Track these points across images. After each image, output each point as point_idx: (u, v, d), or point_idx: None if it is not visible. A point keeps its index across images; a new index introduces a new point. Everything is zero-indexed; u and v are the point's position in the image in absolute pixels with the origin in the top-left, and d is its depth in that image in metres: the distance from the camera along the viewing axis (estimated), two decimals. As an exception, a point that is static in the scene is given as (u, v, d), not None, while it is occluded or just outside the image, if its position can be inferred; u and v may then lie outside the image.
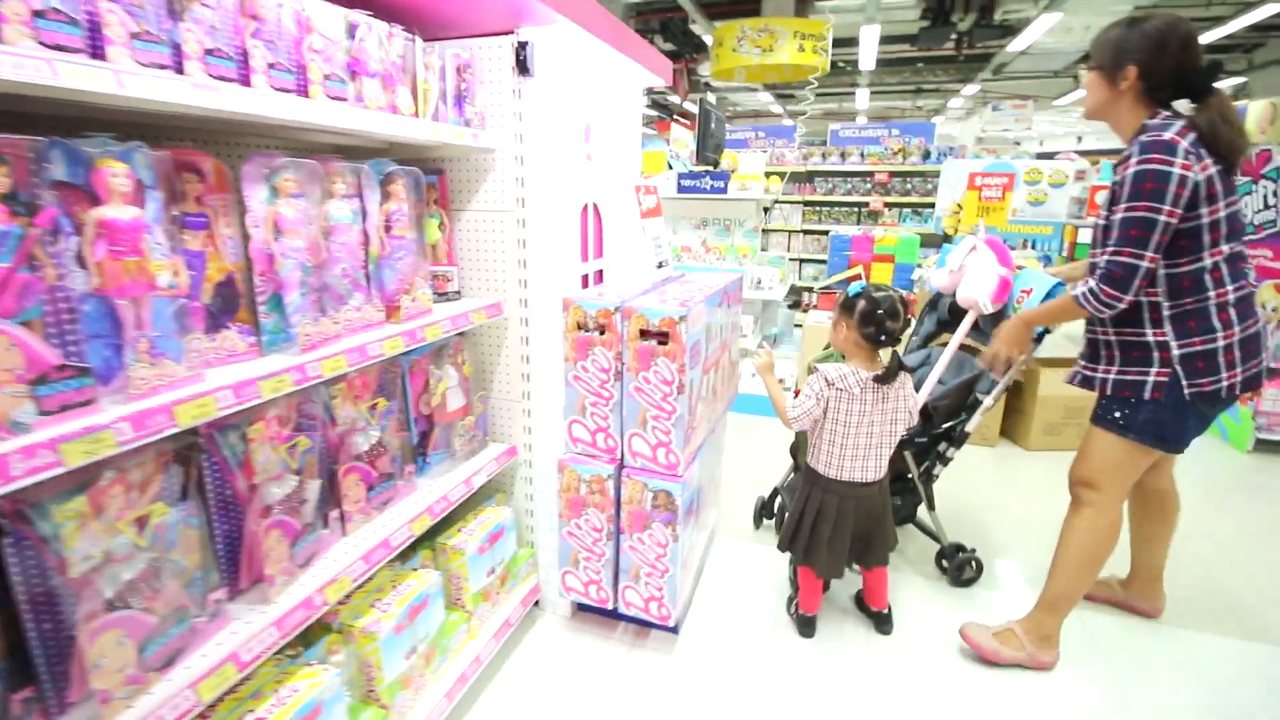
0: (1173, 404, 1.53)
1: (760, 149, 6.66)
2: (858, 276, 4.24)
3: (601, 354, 1.73)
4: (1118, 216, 1.44)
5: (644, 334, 1.66)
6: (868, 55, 10.35)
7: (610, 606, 1.88)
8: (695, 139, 3.92)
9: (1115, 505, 1.71)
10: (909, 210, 6.19)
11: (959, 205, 4.29)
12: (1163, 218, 1.39)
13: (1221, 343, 1.49)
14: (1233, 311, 1.49)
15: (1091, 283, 1.50)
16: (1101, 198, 6.75)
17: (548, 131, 1.71)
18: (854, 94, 14.53)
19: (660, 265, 2.05)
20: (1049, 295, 1.95)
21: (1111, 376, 1.60)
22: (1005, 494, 3.01)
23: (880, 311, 1.74)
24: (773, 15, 7.64)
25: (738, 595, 2.20)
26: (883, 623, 2.06)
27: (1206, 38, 8.59)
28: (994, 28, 9.11)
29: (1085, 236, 7.05)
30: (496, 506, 1.89)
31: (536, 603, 2.08)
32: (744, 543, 2.52)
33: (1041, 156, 8.87)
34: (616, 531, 1.82)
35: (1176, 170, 1.37)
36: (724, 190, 3.86)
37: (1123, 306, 1.49)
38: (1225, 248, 1.47)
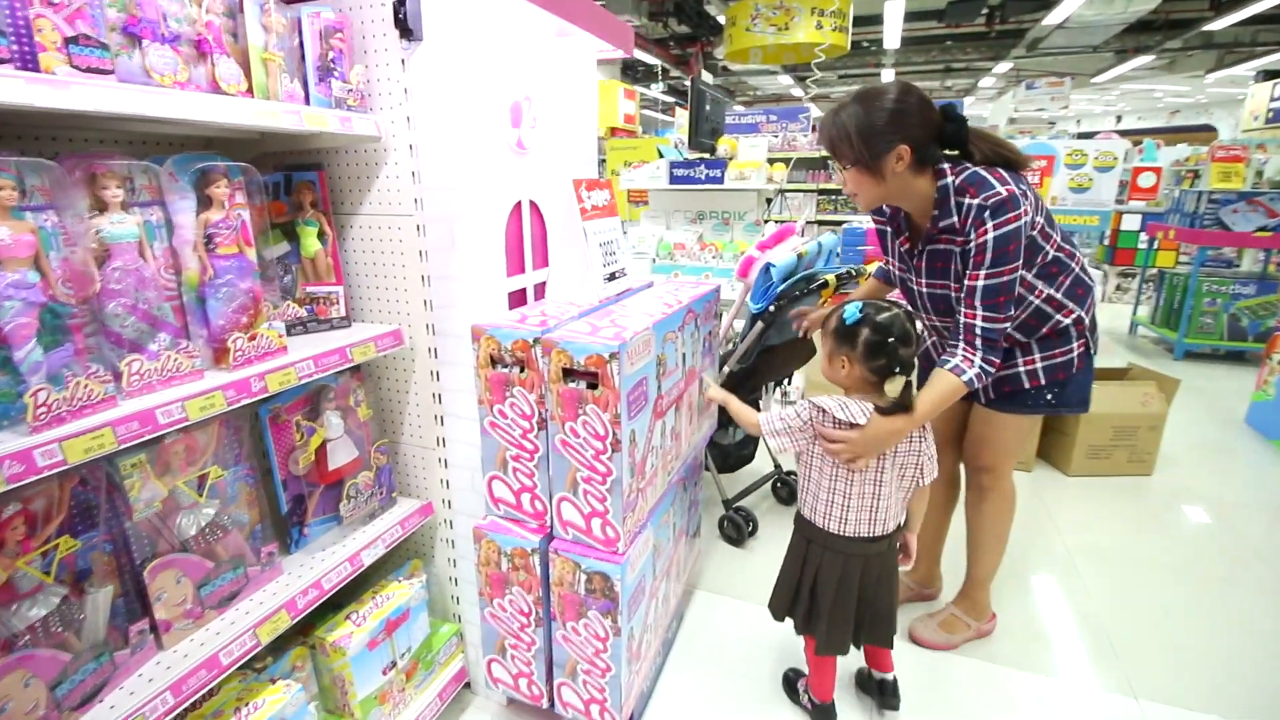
0: (1088, 365, 1.66)
1: (772, 133, 6.17)
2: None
3: (522, 396, 1.35)
4: (980, 283, 1.41)
5: (568, 374, 1.28)
6: (892, 33, 9.76)
7: (545, 705, 1.51)
8: (688, 124, 3.50)
9: (1010, 475, 1.83)
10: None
11: None
12: (1020, 271, 1.43)
13: (1095, 292, 1.64)
14: (1086, 269, 1.61)
15: (977, 361, 1.43)
16: (1145, 180, 6.15)
17: (449, 112, 1.32)
18: (879, 75, 13.86)
19: (613, 276, 1.66)
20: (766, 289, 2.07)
21: (1039, 366, 1.62)
22: (1040, 524, 2.57)
23: (891, 340, 1.36)
24: (789, -9, 7.13)
25: (720, 667, 1.82)
26: (888, 695, 1.67)
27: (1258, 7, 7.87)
28: (1027, 0, 8.46)
29: (1129, 223, 6.45)
30: (404, 580, 1.53)
31: (468, 684, 1.72)
32: (728, 599, 2.13)
33: (1080, 137, 8.20)
34: (547, 617, 1.45)
35: (1025, 220, 1.39)
36: (720, 180, 3.44)
37: None
38: (1054, 234, 1.55)
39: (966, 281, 1.43)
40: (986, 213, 1.37)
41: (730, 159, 3.52)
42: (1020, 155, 1.50)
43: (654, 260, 3.63)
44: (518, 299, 1.67)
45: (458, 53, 1.32)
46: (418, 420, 1.56)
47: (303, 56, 1.22)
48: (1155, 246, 5.28)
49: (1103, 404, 2.82)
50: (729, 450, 2.52)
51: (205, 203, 1.10)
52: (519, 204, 1.62)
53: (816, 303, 2.23)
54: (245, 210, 1.16)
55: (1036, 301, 1.55)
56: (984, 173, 1.42)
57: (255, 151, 1.49)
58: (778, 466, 2.78)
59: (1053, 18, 8.71)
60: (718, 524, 2.50)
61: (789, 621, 1.61)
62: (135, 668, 1.06)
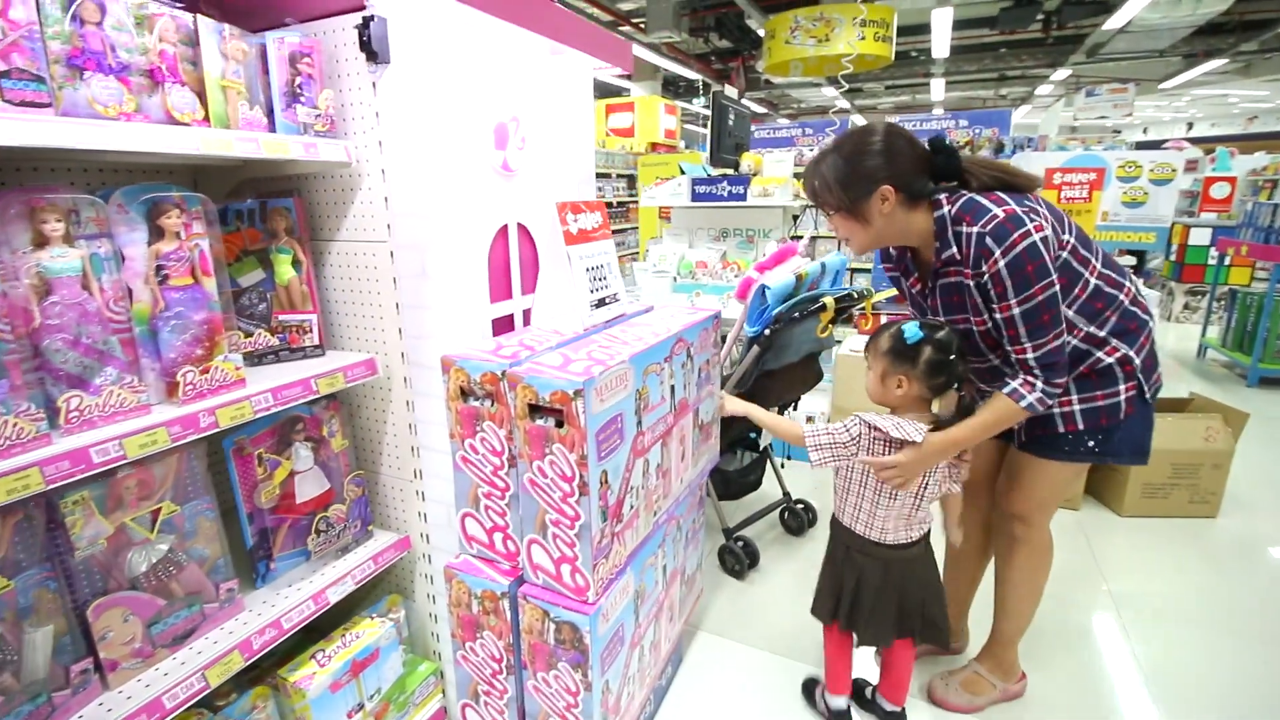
0: (1142, 412, 1.46)
1: (807, 147, 6.01)
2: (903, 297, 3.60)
3: (492, 431, 1.28)
4: (1015, 312, 1.29)
5: (535, 410, 1.20)
6: (940, 42, 9.47)
7: (518, 757, 1.43)
8: (709, 139, 3.41)
9: (1046, 526, 1.64)
10: (979, 212, 5.39)
11: None
12: (1056, 289, 1.29)
13: (1152, 328, 1.46)
14: (1140, 298, 1.45)
15: (1039, 386, 1.34)
16: (1218, 191, 5.72)
17: (420, 136, 1.28)
18: (927, 85, 13.49)
19: (603, 303, 1.59)
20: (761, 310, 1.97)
21: (1077, 409, 1.44)
22: (1085, 569, 2.34)
23: (953, 357, 1.40)
24: (830, 2, 6.99)
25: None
26: None
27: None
28: (1086, 4, 8.05)
29: (1198, 237, 6.01)
30: (377, 618, 1.47)
31: (449, 725, 1.66)
32: (729, 643, 2.01)
33: (1144, 146, 7.72)
34: (519, 665, 1.36)
35: (1036, 237, 1.26)
36: (743, 197, 3.34)
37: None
38: (1092, 258, 1.40)
39: (999, 315, 1.32)
40: (988, 239, 1.27)
41: (754, 175, 3.42)
42: (1023, 176, 1.39)
43: (675, 279, 3.54)
44: (504, 325, 1.62)
45: (430, 75, 1.27)
46: (395, 452, 1.51)
47: (269, 82, 1.19)
48: (1227, 262, 4.88)
49: (1161, 438, 2.56)
50: (731, 476, 2.40)
51: (157, 233, 1.07)
52: (505, 228, 1.56)
53: (816, 326, 2.10)
54: (204, 240, 1.14)
55: (1074, 341, 1.39)
56: (980, 198, 1.33)
57: (239, 179, 1.48)
58: (786, 494, 2.64)
59: (1113, 22, 8.28)
60: (717, 554, 2.38)
61: (792, 666, 1.72)
62: (75, 709, 1.03)
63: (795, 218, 3.60)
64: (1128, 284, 1.42)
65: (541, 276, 1.57)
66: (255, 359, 1.35)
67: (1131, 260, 5.10)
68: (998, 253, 1.26)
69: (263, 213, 1.36)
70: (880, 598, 1.53)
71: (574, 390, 1.13)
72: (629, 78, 11.55)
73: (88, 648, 1.06)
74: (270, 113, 1.21)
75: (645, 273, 3.66)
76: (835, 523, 1.61)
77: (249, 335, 1.34)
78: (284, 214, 1.37)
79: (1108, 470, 2.78)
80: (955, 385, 1.46)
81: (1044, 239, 1.26)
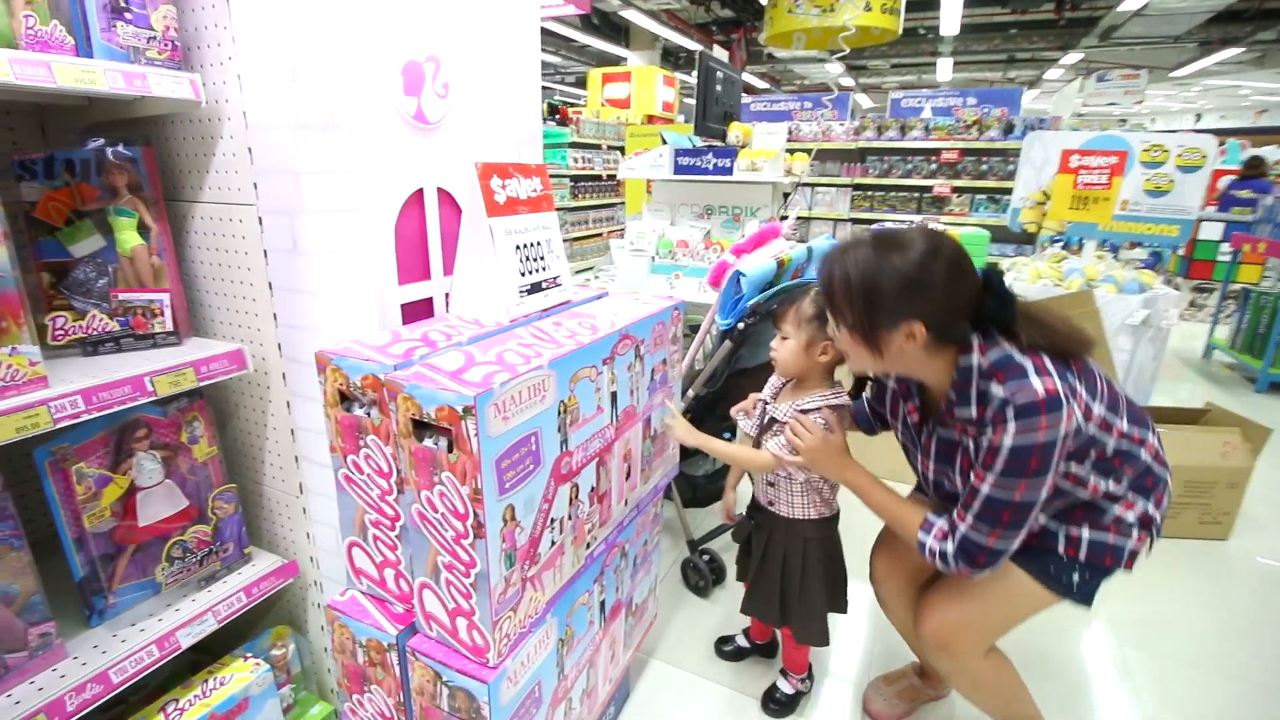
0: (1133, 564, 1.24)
1: (805, 120, 5.68)
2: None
3: (377, 447, 1.03)
4: (984, 489, 1.10)
5: (420, 426, 0.95)
6: (950, 19, 9.07)
7: (415, 828, 1.20)
8: (695, 106, 3.11)
9: (981, 654, 1.33)
10: (984, 197, 5.08)
11: (1044, 193, 3.25)
12: (1044, 493, 1.09)
13: (1169, 482, 1.25)
14: (1161, 452, 1.23)
15: (948, 550, 1.17)
16: (1226, 184, 5.44)
17: (293, 70, 1.00)
18: (934, 64, 13.06)
19: (537, 288, 1.32)
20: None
21: (1085, 535, 1.20)
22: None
23: None
24: (835, -31, 6.59)
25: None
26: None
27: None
28: (1104, -20, 7.70)
29: (1209, 231, 5.74)
30: (249, 659, 1.23)
31: (351, 773, 1.43)
32: (684, 674, 1.79)
33: (1157, 133, 7.42)
34: (410, 727, 1.13)
35: (1060, 431, 1.04)
36: (729, 171, 3.05)
37: None
38: (1118, 421, 1.16)
39: (972, 477, 1.13)
40: (1010, 409, 1.04)
41: (742, 147, 3.13)
42: (1078, 340, 1.14)
43: (653, 259, 3.26)
44: (421, 311, 1.36)
45: (304, -9, 0.99)
46: (279, 462, 1.26)
47: (80, -9, 0.91)
48: (1238, 260, 4.63)
49: (1175, 453, 2.34)
50: (699, 482, 2.16)
51: (-99, 183, 0.80)
52: (420, 192, 1.29)
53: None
54: (-19, 195, 0.87)
55: (1088, 496, 1.17)
56: (1020, 357, 1.08)
57: (88, 122, 1.20)
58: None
59: (1129, 3, 7.92)
60: (680, 567, 2.16)
61: (751, 705, 1.66)
62: None
63: (786, 195, 3.32)
64: (1150, 438, 1.21)
65: (460, 254, 1.30)
66: (90, 347, 1.09)
67: (1142, 254, 4.85)
68: (1011, 429, 1.04)
69: (99, 164, 1.09)
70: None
71: (463, 407, 0.87)
72: (676, 49, 11.10)
73: None
74: (87, 33, 0.92)
75: (622, 251, 3.38)
76: (785, 521, 1.53)
77: (80, 317, 1.07)
78: (126, 167, 1.09)
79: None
80: None
81: (1065, 433, 1.04)
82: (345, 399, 1.05)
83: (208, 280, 1.20)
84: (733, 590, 2.12)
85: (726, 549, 2.26)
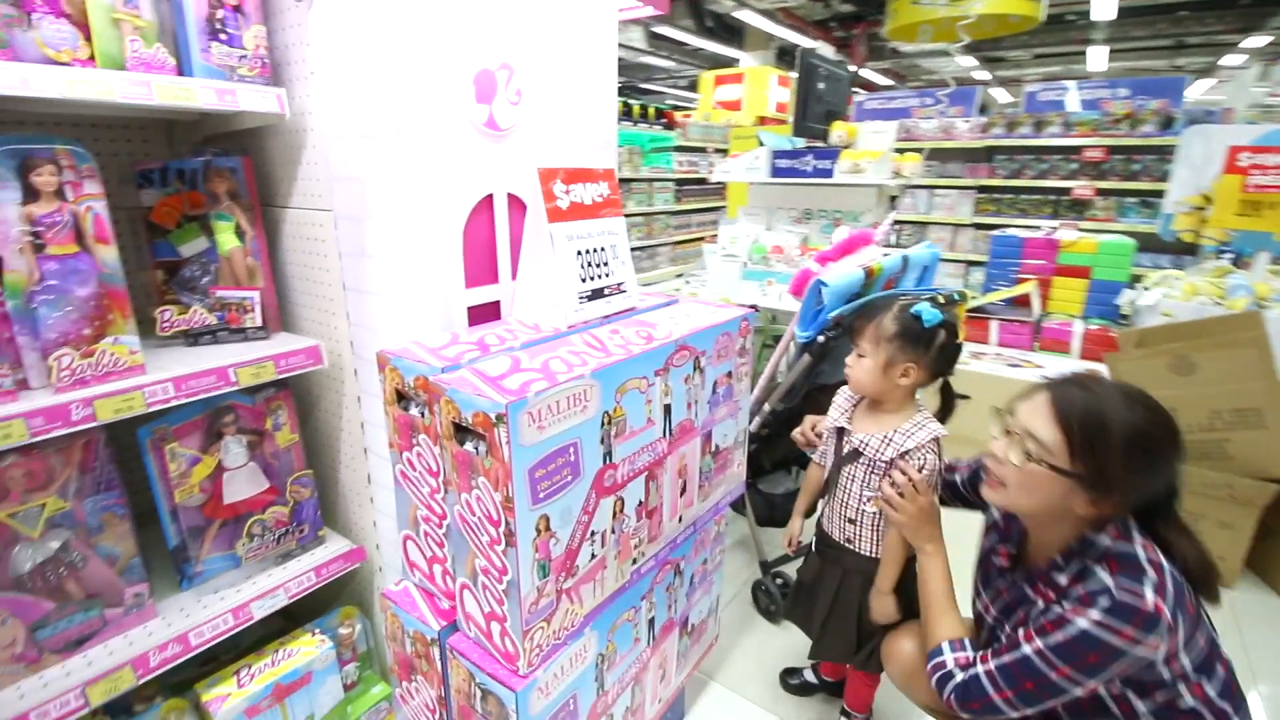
0: None
1: (925, 118, 5.27)
2: (1025, 298, 3.01)
3: (427, 446, 1.06)
4: (1023, 650, 0.99)
5: (461, 431, 0.96)
6: (1105, 2, 8.13)
7: (454, 820, 1.22)
8: (794, 104, 2.98)
9: None
10: (1134, 201, 4.45)
11: (1205, 197, 2.79)
12: (1077, 690, 0.96)
13: None
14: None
15: (956, 675, 1.08)
16: None
17: (361, 84, 1.05)
18: (1084, 54, 11.76)
19: (599, 294, 1.30)
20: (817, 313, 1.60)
21: None
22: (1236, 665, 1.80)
23: (959, 341, 1.32)
24: (968, -47, 6.10)
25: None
26: None
27: None
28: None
29: None
30: (317, 635, 1.31)
31: (408, 754, 1.49)
32: (744, 702, 1.70)
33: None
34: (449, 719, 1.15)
35: (1140, 651, 0.91)
36: (829, 173, 2.90)
37: None
38: (1208, 687, 0.99)
39: (1020, 631, 1.02)
40: (1105, 599, 0.93)
41: (845, 147, 2.96)
42: (1210, 578, 1.01)
43: (745, 265, 3.17)
44: (489, 313, 1.38)
45: (373, 10, 1.03)
46: (351, 452, 1.33)
47: (184, 17, 1.00)
48: None
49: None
50: (776, 501, 2.05)
51: (32, 194, 0.91)
52: (489, 198, 1.32)
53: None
54: (99, 201, 0.97)
55: None
56: (1148, 563, 0.95)
57: (204, 133, 1.33)
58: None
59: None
60: (751, 588, 2.06)
61: None
62: (-64, 719, 0.93)
63: (893, 199, 3.10)
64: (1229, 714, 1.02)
65: (523, 258, 1.31)
66: (191, 339, 1.20)
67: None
68: (1094, 615, 0.93)
69: (205, 173, 1.20)
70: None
71: (496, 414, 0.87)
72: (791, 47, 10.95)
73: (-44, 651, 0.95)
74: (188, 54, 1.02)
75: (714, 256, 3.32)
76: (851, 554, 1.43)
77: (184, 311, 1.19)
78: (226, 175, 1.20)
79: (1276, 539, 2.15)
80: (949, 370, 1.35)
81: (1137, 656, 0.92)
82: (402, 397, 1.08)
83: (296, 280, 1.30)
84: (805, 617, 1.99)
85: (801, 573, 2.14)
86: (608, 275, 1.34)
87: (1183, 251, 4.06)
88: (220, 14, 1.02)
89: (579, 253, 1.27)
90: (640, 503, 1.18)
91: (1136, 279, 2.87)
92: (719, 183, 7.56)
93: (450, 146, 1.19)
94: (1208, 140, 3.00)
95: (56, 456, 1.02)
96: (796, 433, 1.54)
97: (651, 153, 6.64)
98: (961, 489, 1.39)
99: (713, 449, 1.39)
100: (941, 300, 1.73)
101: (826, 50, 10.87)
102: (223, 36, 1.02)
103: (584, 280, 1.28)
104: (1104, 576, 0.95)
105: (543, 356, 1.04)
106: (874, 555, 1.37)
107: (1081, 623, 0.93)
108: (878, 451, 1.30)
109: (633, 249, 5.79)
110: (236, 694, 1.17)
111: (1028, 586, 1.11)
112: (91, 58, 0.92)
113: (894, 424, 1.31)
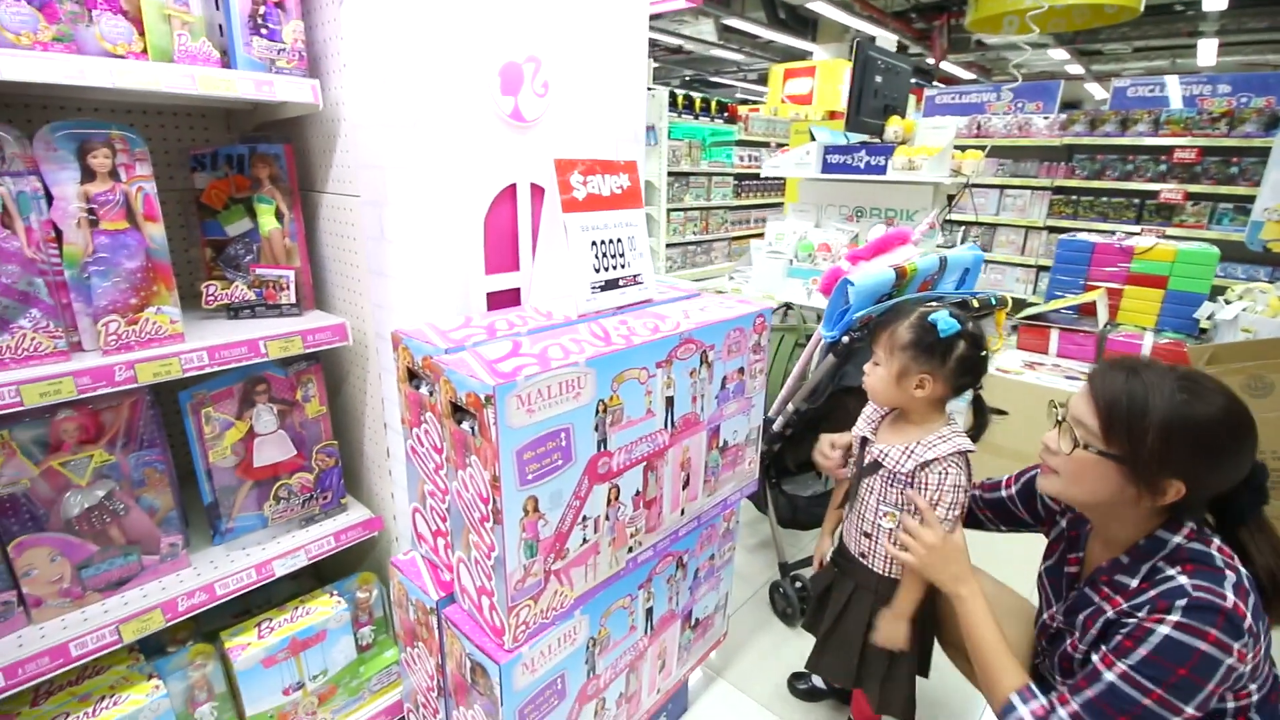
0: None
1: (998, 114, 4.99)
2: (1092, 307, 2.83)
3: (433, 423, 1.10)
4: (1108, 677, 0.90)
5: (458, 410, 1.00)
6: (1217, -12, 7.48)
7: (449, 784, 1.28)
8: (849, 97, 2.90)
9: None
10: (1229, 206, 4.07)
11: None
12: (1164, 715, 0.86)
13: None
14: None
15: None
16: None
17: (386, 76, 1.10)
18: (1194, 46, 10.84)
19: (613, 284, 1.32)
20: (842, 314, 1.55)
21: None
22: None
23: (985, 353, 1.25)
24: (1060, -62, 5.73)
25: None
26: None
27: None
28: None
29: None
30: (335, 597, 1.39)
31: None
32: (750, 702, 1.69)
33: None
34: (445, 689, 1.20)
35: (1230, 661, 0.84)
36: (882, 170, 2.81)
37: None
38: (1254, 693, 0.93)
39: (1095, 657, 0.95)
40: (1184, 600, 0.88)
41: (901, 143, 2.86)
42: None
43: (791, 262, 3.12)
44: (509, 300, 1.43)
45: (395, 5, 1.08)
46: (374, 424, 1.40)
47: (229, 13, 1.08)
48: None
49: None
50: (800, 504, 2.02)
51: (89, 174, 1.01)
52: (513, 187, 1.36)
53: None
54: (149, 182, 1.06)
55: None
56: (1224, 564, 0.91)
57: (257, 121, 1.42)
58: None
59: None
60: (769, 589, 2.04)
61: None
62: (-7, 638, 1.05)
63: (950, 198, 2.97)
64: None
65: (540, 247, 1.34)
66: (233, 312, 1.29)
67: None
68: (1174, 619, 0.87)
69: (251, 158, 1.29)
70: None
71: (485, 395, 0.90)
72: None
73: (13, 581, 1.07)
74: (232, 47, 1.09)
75: (760, 253, 3.28)
76: (868, 573, 1.37)
77: (227, 286, 1.28)
78: (269, 161, 1.28)
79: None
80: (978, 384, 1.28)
81: (1228, 668, 0.86)
82: (413, 376, 1.13)
83: (330, 261, 1.37)
84: (822, 623, 1.96)
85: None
86: (624, 267, 1.36)
87: (1272, 263, 3.71)
88: (262, 10, 1.09)
89: (594, 243, 1.29)
90: (638, 492, 1.19)
91: (1220, 291, 2.65)
92: (779, 178, 7.42)
93: (471, 136, 1.24)
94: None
95: (107, 414, 1.13)
96: (815, 454, 1.50)
97: (712, 146, 6.59)
98: (1012, 504, 1.33)
99: (720, 444, 1.38)
100: (975, 305, 1.67)
101: (903, 43, 10.47)
102: (264, 31, 1.10)
103: (598, 270, 1.30)
104: (1178, 576, 0.91)
105: (545, 343, 1.07)
106: (886, 574, 1.31)
107: (1162, 629, 0.88)
108: (897, 463, 1.25)
109: (689, 243, 5.76)
110: (256, 644, 1.26)
111: (1090, 589, 1.06)
112: (144, 51, 1.01)
113: (918, 436, 1.26)
